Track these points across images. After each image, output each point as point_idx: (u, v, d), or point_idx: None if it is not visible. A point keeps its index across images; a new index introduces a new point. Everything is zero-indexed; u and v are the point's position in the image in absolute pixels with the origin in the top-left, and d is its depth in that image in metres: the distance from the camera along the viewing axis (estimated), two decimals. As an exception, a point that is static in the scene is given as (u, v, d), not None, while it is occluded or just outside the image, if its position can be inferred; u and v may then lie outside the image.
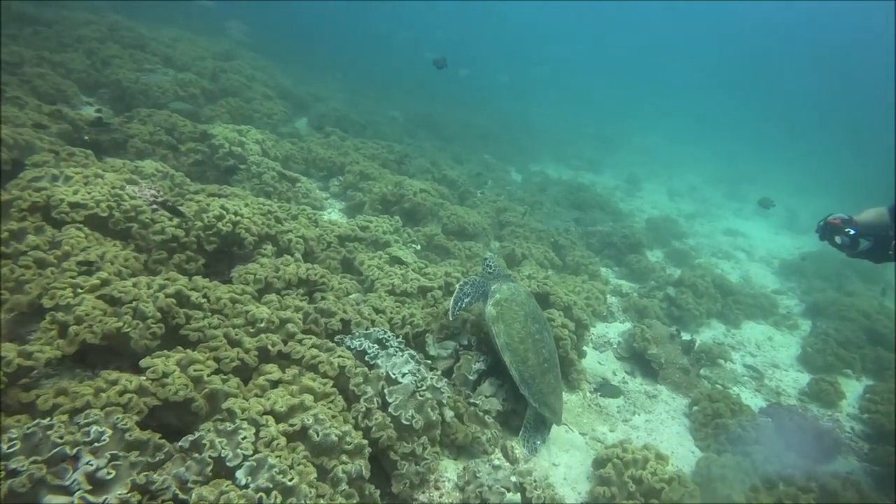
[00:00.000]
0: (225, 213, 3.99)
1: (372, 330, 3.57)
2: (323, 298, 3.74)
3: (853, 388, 6.27)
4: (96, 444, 2.11)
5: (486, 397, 4.21)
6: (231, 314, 3.26)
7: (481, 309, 4.10)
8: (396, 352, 3.46)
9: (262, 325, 3.19)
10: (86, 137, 5.78)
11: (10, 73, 6.36)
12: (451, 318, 3.96)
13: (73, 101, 6.85)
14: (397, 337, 3.74)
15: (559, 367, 4.24)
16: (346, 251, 4.84)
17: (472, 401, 4.06)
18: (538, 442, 3.96)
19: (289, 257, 4.01)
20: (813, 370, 6.63)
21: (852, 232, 3.98)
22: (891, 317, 7.49)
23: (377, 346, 3.45)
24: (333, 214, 6.67)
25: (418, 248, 6.03)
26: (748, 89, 46.20)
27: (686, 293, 7.37)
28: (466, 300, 3.97)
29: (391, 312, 4.02)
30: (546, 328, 4.21)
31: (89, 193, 3.66)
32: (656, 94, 42.31)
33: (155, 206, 4.07)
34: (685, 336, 6.26)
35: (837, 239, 4.07)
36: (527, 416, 3.99)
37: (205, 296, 3.27)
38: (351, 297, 4.24)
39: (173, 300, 3.05)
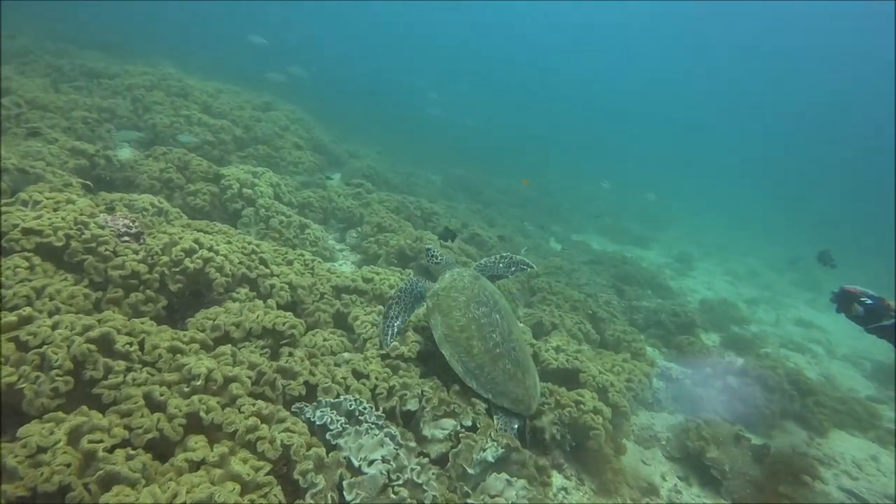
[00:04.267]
0: (197, 247, 3.47)
1: (342, 398, 2.85)
2: (290, 355, 3.08)
3: None
4: None
5: (491, 497, 3.34)
6: (166, 367, 2.64)
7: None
8: (370, 429, 2.72)
9: (199, 383, 2.53)
10: (102, 174, 5.62)
11: (62, 116, 6.46)
12: (386, 348, 3.60)
13: (108, 142, 6.83)
14: (377, 409, 3.01)
15: (523, 348, 3.78)
16: (340, 304, 4.21)
17: (470, 502, 3.21)
18: (515, 426, 3.53)
19: (259, 303, 3.41)
20: (948, 513, 5.23)
21: (869, 301, 3.56)
22: None
23: (344, 420, 2.72)
24: (345, 266, 6.14)
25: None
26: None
27: (752, 386, 6.24)
28: (398, 322, 3.63)
29: (377, 379, 3.29)
30: (499, 309, 3.70)
31: (49, 220, 3.23)
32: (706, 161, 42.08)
33: (126, 239, 3.62)
34: (754, 439, 5.14)
35: (854, 309, 3.64)
36: (491, 408, 3.52)
37: (140, 343, 2.68)
38: (338, 356, 3.57)
39: (94, 346, 2.46)
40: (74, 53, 10.43)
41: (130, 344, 2.60)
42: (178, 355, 2.71)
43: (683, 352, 7.54)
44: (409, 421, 3.39)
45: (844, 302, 3.71)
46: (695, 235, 21.32)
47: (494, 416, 3.51)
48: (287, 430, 2.46)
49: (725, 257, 18.82)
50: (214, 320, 3.09)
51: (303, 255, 4.64)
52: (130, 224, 3.66)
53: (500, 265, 4.26)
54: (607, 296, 8.46)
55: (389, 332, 3.61)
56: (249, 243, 3.93)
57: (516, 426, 3.55)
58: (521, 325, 6.08)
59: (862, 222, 31.56)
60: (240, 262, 3.61)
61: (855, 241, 25.25)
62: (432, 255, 4.01)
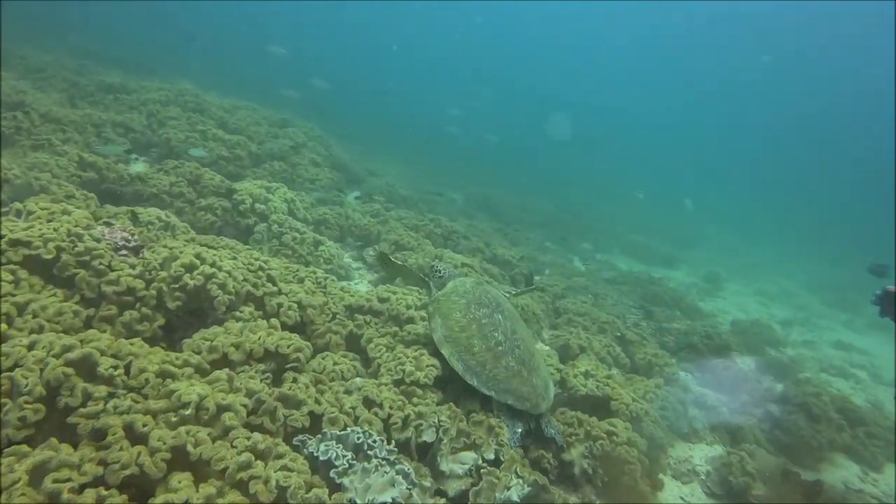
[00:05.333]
0: (199, 263, 3.22)
1: (349, 430, 2.54)
2: (294, 381, 2.78)
3: None
4: None
5: (516, 542, 2.98)
6: (153, 394, 2.36)
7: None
8: (380, 466, 2.40)
9: (189, 412, 2.25)
10: (111, 187, 5.47)
11: (76, 131, 6.38)
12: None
13: (121, 157, 6.73)
14: (389, 443, 2.68)
15: (530, 349, 3.72)
16: (353, 325, 3.91)
17: (492, 548, 2.85)
18: (519, 430, 3.42)
19: (262, 323, 3.13)
20: None
21: None
22: None
23: (351, 456, 2.41)
24: (361, 285, 5.86)
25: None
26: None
27: (796, 414, 5.75)
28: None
29: (391, 408, 2.97)
30: (502, 310, 3.69)
31: (39, 231, 3.01)
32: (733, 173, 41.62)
33: (124, 253, 3.39)
34: (803, 474, 4.66)
35: None
36: (494, 408, 3.45)
37: (126, 366, 2.41)
38: (350, 382, 3.27)
39: (72, 369, 2.19)
40: (93, 69, 10.50)
41: (115, 367, 2.34)
42: (169, 380, 2.43)
43: (718, 377, 7.07)
44: (426, 454, 3.06)
45: (889, 304, 3.50)
46: (723, 254, 20.72)
47: (497, 422, 3.38)
48: (284, 467, 2.15)
49: (756, 277, 18.17)
50: (212, 341, 2.82)
51: (315, 272, 4.38)
52: (129, 237, 3.44)
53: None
54: (636, 317, 8.05)
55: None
56: (256, 259, 3.68)
57: (519, 430, 3.45)
58: (547, 347, 5.73)
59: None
60: (244, 279, 3.35)
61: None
62: (435, 270, 4.05)
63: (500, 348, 3.45)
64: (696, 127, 52.02)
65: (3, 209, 3.42)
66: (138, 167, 6.74)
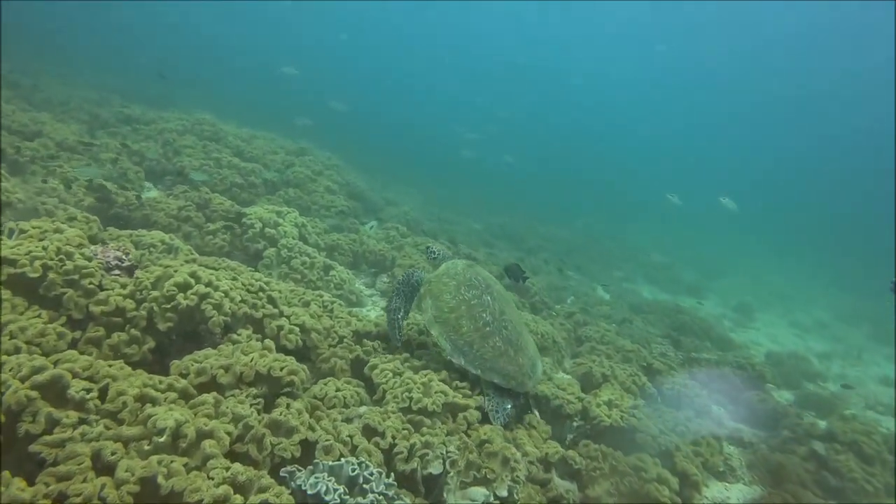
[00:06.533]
0: (193, 282, 3.04)
1: (343, 461, 2.27)
2: (287, 406, 2.54)
3: None
4: None
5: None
6: (129, 419, 2.14)
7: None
8: (376, 501, 2.13)
9: (164, 439, 2.02)
10: (120, 212, 5.43)
11: (92, 158, 6.44)
12: (398, 345, 3.79)
13: (135, 184, 6.73)
14: (389, 476, 2.40)
15: (518, 329, 3.82)
16: (361, 350, 3.68)
17: None
18: (508, 406, 3.52)
19: (255, 344, 2.92)
20: None
21: None
22: None
23: (343, 490, 2.14)
24: (373, 312, 5.64)
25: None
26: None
27: (844, 454, 5.25)
28: (401, 314, 3.78)
29: (394, 437, 2.71)
30: (491, 292, 3.79)
31: (26, 249, 2.88)
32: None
33: (117, 272, 3.24)
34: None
35: None
36: (482, 386, 3.56)
37: (102, 389, 2.21)
38: (351, 409, 3.02)
39: (37, 393, 2.00)
40: (116, 102, 10.76)
41: (88, 391, 2.14)
42: (149, 405, 2.22)
43: (753, 410, 6.59)
44: (433, 488, 2.77)
45: None
46: (752, 283, 20.00)
47: (485, 399, 3.47)
48: (266, 502, 1.89)
49: (789, 308, 17.40)
50: (201, 363, 2.61)
51: (322, 296, 4.18)
52: (123, 256, 3.30)
53: None
54: (662, 346, 7.64)
55: (396, 327, 3.75)
56: (257, 280, 3.49)
57: (509, 406, 3.52)
58: (568, 376, 5.40)
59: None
60: (242, 300, 3.15)
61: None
62: (431, 251, 4.20)
63: (487, 329, 3.57)
64: (703, 144, 51.45)
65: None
66: (152, 194, 6.73)
